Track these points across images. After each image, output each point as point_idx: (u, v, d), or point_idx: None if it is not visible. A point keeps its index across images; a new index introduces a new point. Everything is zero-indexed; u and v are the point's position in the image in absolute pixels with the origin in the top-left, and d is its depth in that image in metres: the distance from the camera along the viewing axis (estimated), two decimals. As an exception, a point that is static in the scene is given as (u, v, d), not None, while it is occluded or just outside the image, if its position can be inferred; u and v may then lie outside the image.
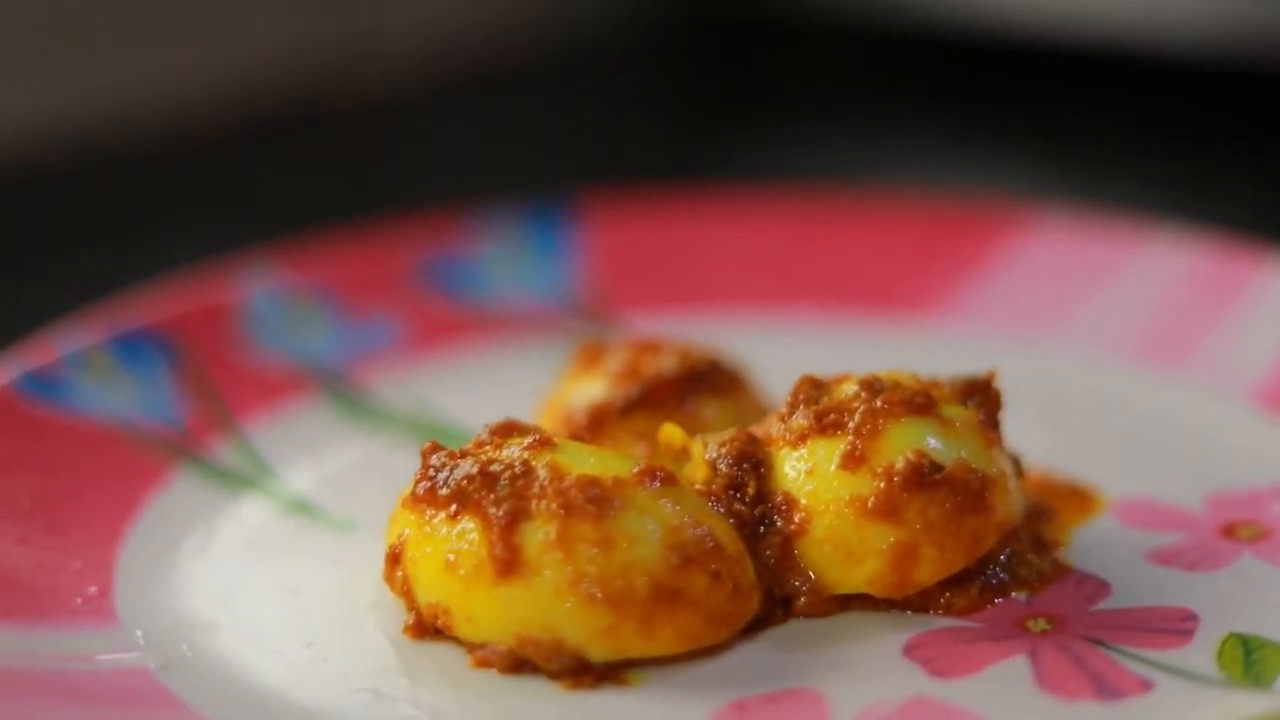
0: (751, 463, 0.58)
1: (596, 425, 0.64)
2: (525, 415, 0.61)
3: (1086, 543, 0.61)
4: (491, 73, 1.40)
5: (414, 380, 0.76)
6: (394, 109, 1.33)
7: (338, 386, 0.75)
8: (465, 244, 0.84)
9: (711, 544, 0.55)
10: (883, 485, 0.56)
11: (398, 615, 0.58)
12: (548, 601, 0.53)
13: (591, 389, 0.65)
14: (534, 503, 0.54)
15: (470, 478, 0.55)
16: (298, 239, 0.87)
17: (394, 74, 1.36)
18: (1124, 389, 0.73)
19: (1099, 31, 1.17)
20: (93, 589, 0.59)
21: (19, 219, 1.10)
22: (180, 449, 0.69)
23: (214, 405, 0.72)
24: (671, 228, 0.86)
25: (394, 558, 0.57)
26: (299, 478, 0.68)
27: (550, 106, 1.37)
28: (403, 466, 0.65)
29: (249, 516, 0.65)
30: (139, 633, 0.57)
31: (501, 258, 0.84)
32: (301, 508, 0.66)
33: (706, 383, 0.65)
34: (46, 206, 1.13)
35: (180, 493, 0.66)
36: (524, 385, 0.73)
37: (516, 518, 0.54)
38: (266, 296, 0.78)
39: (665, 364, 0.65)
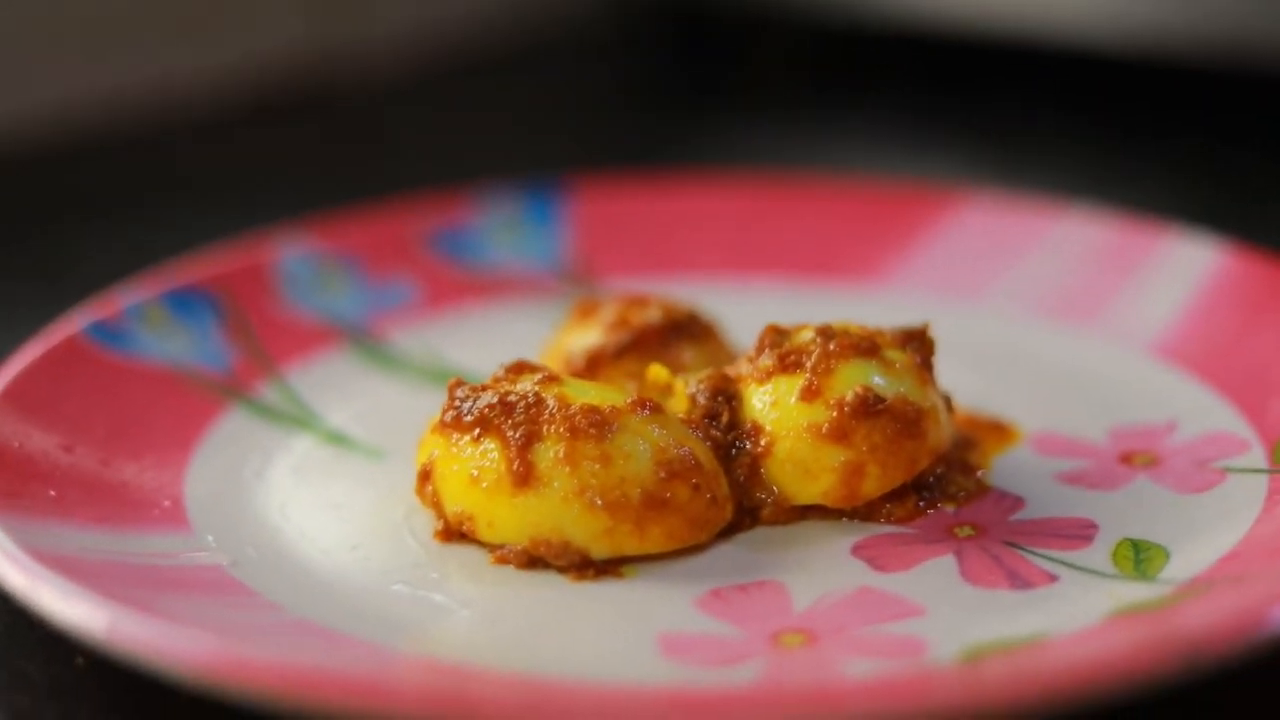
0: (725, 396, 0.67)
1: (593, 366, 0.72)
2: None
3: (1005, 467, 0.70)
4: (462, 66, 1.47)
5: (426, 333, 0.85)
6: (388, 96, 1.40)
7: (361, 338, 0.84)
8: (468, 217, 0.92)
9: (693, 462, 0.64)
10: (835, 414, 0.65)
11: (427, 524, 0.67)
12: (557, 508, 0.63)
13: (588, 336, 0.74)
14: (545, 427, 0.63)
15: (491, 406, 0.65)
16: (321, 211, 0.95)
17: (387, 65, 1.43)
18: (1040, 341, 0.82)
19: (1026, 28, 1.23)
20: (167, 503, 0.68)
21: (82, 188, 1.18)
22: (229, 390, 0.78)
23: (256, 353, 0.81)
24: (648, 204, 0.94)
25: (425, 475, 0.66)
26: (333, 414, 0.77)
27: (526, 94, 1.44)
28: (421, 405, 0.75)
29: (293, 446, 0.74)
30: (210, 537, 0.66)
31: (500, 229, 0.93)
32: (337, 439, 0.75)
33: (686, 331, 0.74)
34: (101, 179, 1.20)
35: (231, 426, 0.75)
36: (520, 337, 0.81)
37: (530, 439, 0.63)
38: (298, 260, 0.87)
39: (651, 315, 0.74)
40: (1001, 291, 0.86)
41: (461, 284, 0.89)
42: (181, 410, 0.75)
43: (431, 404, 0.74)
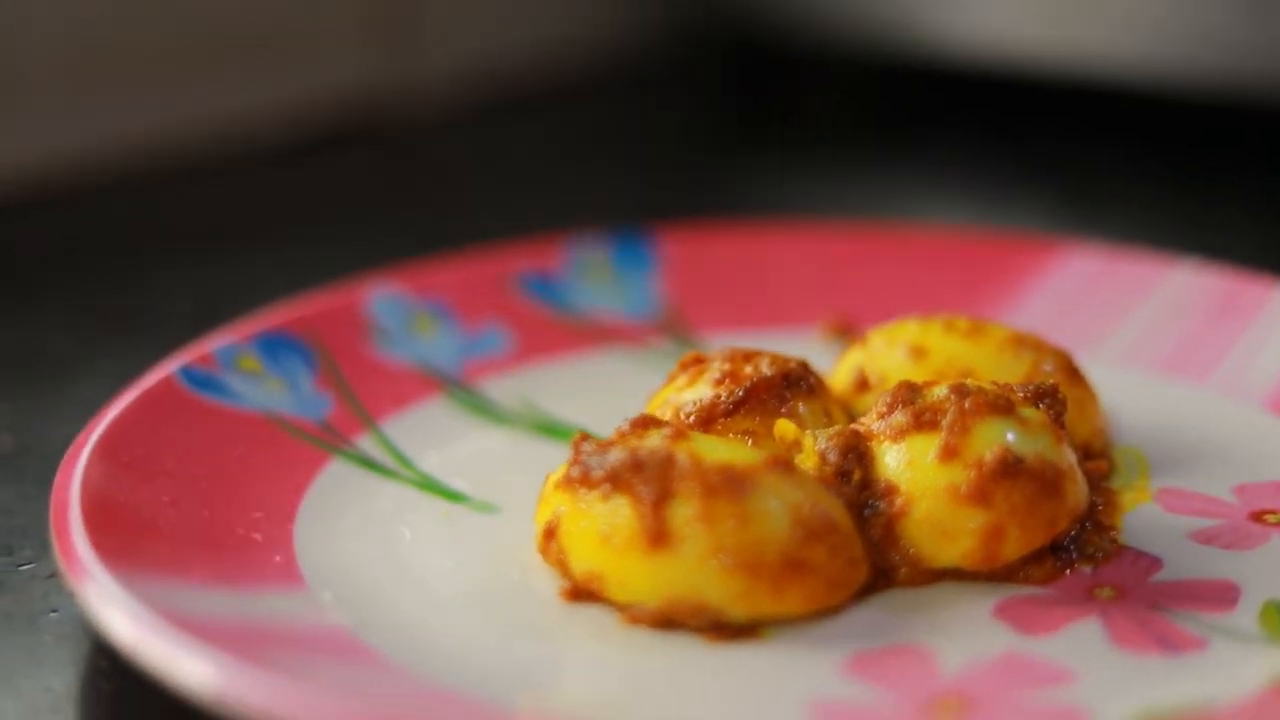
0: (856, 454, 0.66)
1: (705, 423, 0.70)
2: (619, 413, 0.69)
3: (1137, 526, 0.69)
4: (517, 100, 1.46)
5: (522, 382, 0.83)
6: (447, 130, 1.39)
7: (456, 387, 0.82)
8: (558, 262, 0.91)
9: (830, 521, 0.63)
10: (974, 475, 0.64)
11: (549, 582, 0.65)
12: (692, 568, 0.61)
13: (698, 391, 0.72)
14: (678, 484, 0.62)
15: (622, 463, 0.63)
16: (396, 249, 0.95)
17: (446, 99, 1.43)
18: (1152, 396, 0.81)
19: (1104, 68, 1.22)
20: (278, 558, 0.66)
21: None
22: (326, 440, 0.76)
23: (351, 402, 0.79)
24: (740, 251, 0.93)
25: (549, 532, 0.65)
26: (436, 467, 0.75)
27: (582, 128, 1.43)
28: (525, 457, 0.75)
29: (399, 499, 0.72)
30: (327, 595, 0.64)
31: (591, 275, 0.91)
32: (445, 493, 0.73)
33: (802, 384, 0.72)
34: (163, 214, 1.19)
35: (333, 478, 0.73)
36: (618, 388, 0.82)
37: (664, 497, 0.62)
38: (388, 305, 0.86)
39: (764, 368, 0.72)
40: (1113, 348, 0.85)
41: (555, 331, 0.88)
42: (281, 461, 0.74)
43: (536, 457, 0.75)
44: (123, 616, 0.58)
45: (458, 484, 0.74)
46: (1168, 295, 0.87)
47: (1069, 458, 0.66)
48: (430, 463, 0.76)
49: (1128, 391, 0.81)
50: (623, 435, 0.66)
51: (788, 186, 1.26)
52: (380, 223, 1.16)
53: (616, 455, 0.64)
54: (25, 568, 0.70)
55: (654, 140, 1.41)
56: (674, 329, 0.89)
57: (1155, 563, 0.66)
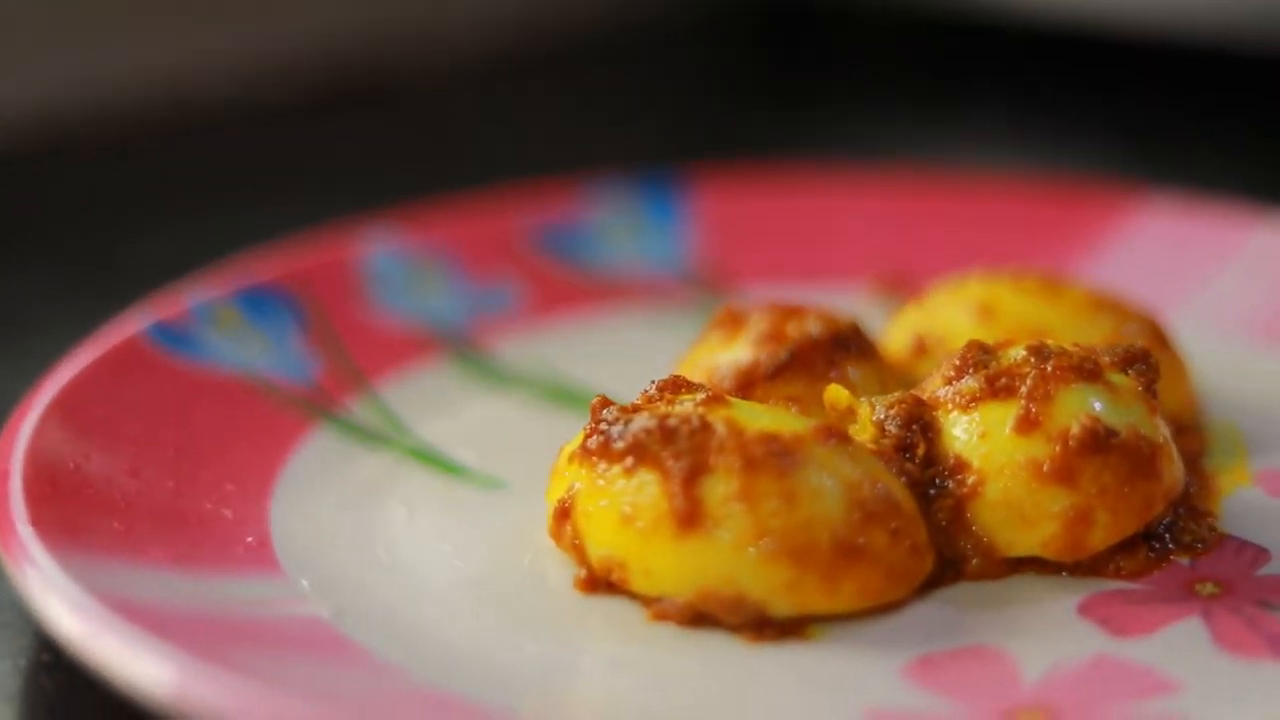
0: (920, 425, 0.58)
1: (744, 389, 0.63)
2: (645, 377, 0.61)
3: (1237, 511, 0.62)
4: (534, 53, 1.41)
5: (535, 343, 0.77)
6: (456, 83, 1.34)
7: (462, 347, 0.76)
8: (579, 211, 0.84)
9: (890, 502, 0.55)
10: (1058, 450, 0.56)
11: (563, 570, 0.58)
12: (729, 555, 0.54)
13: (736, 352, 0.65)
14: (714, 457, 0.54)
15: (648, 431, 0.56)
16: (403, 202, 0.88)
17: (456, 51, 1.37)
18: (1248, 367, 0.74)
19: (1152, 20, 1.16)
20: (250, 539, 0.60)
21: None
22: (314, 405, 0.69)
23: (343, 362, 0.72)
24: (781, 200, 0.86)
25: (563, 512, 0.58)
26: (436, 436, 0.68)
27: (603, 84, 1.38)
28: (537, 426, 0.69)
29: (392, 473, 0.66)
30: (304, 582, 0.58)
31: (615, 226, 0.84)
32: (445, 466, 0.66)
33: (853, 346, 0.65)
34: (155, 167, 1.14)
35: (318, 448, 0.67)
36: (644, 349, 0.75)
37: (697, 471, 0.54)
38: (387, 256, 0.79)
39: (810, 327, 0.65)
40: (1195, 309, 0.78)
41: (573, 287, 0.81)
42: (261, 428, 0.67)
43: (549, 425, 0.68)
44: (66, 606, 0.52)
45: (460, 455, 0.67)
46: (1258, 251, 0.80)
47: (1164, 431, 0.59)
48: (430, 431, 0.69)
49: (1217, 358, 0.73)
50: (650, 400, 0.59)
51: (833, 145, 1.20)
52: (384, 180, 1.10)
53: (642, 423, 0.56)
54: (-38, 544, 0.62)
55: (685, 95, 1.36)
56: (705, 283, 0.82)
57: (1261, 554, 0.59)
